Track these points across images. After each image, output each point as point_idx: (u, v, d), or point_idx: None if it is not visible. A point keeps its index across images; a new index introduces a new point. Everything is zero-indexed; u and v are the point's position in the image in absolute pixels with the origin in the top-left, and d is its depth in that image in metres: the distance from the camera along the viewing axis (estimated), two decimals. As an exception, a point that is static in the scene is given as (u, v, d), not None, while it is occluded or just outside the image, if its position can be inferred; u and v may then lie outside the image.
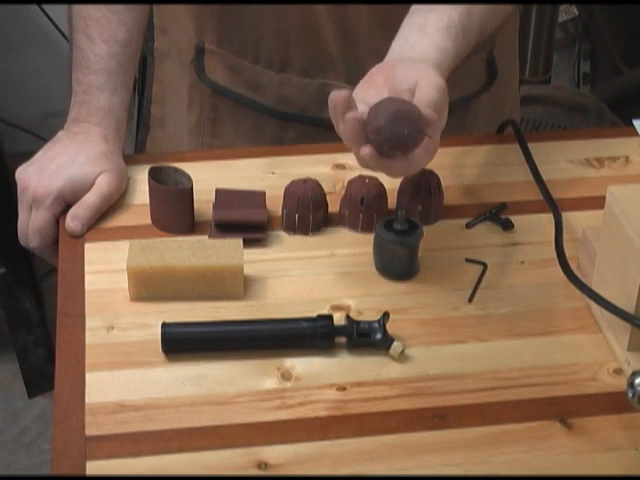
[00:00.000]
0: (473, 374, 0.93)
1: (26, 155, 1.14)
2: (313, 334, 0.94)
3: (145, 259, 0.99)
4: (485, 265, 1.05)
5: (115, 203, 1.12)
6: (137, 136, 1.46)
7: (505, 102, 1.34)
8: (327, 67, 1.21)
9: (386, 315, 0.95)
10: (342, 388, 0.91)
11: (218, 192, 1.10)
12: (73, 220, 1.08)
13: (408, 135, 0.92)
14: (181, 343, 0.95)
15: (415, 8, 1.06)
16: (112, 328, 0.97)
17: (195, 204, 1.08)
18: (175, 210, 1.07)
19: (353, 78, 1.21)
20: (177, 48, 1.30)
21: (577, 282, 0.96)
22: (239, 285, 1.00)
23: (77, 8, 1.16)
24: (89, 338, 0.96)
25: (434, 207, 1.09)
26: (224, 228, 1.07)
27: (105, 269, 1.03)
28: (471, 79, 1.26)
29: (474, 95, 1.28)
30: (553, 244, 1.03)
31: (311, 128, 1.25)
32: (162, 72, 1.34)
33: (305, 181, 1.08)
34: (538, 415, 0.90)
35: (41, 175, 1.09)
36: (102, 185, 1.10)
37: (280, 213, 1.09)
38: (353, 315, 0.97)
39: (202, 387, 0.91)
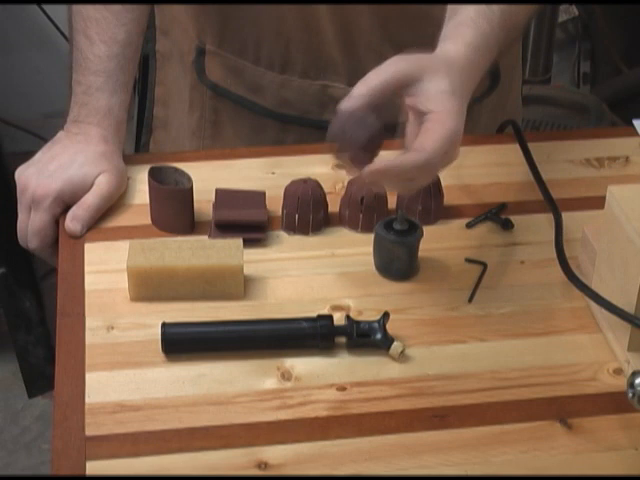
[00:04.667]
0: (473, 374, 0.93)
1: (26, 155, 1.14)
2: (313, 334, 0.94)
3: (145, 259, 0.99)
4: (485, 265, 1.05)
5: (115, 203, 1.12)
6: (140, 138, 1.46)
7: (507, 106, 1.34)
8: (328, 69, 1.21)
9: (386, 315, 0.95)
10: (342, 388, 0.91)
11: (218, 192, 1.10)
12: (73, 221, 1.08)
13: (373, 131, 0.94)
14: (181, 343, 0.95)
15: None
16: (112, 328, 0.97)
17: (195, 204, 1.08)
18: (175, 210, 1.07)
19: (354, 80, 1.21)
20: (178, 50, 1.30)
21: (577, 282, 0.96)
22: (239, 285, 1.00)
23: (77, 9, 1.16)
24: (89, 338, 0.96)
25: (434, 207, 1.09)
26: (224, 228, 1.07)
27: (105, 269, 1.03)
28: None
29: (476, 100, 1.27)
30: (553, 244, 1.03)
31: (311, 131, 1.24)
32: (164, 74, 1.34)
33: (305, 181, 1.08)
34: (538, 415, 0.90)
35: (40, 176, 1.09)
36: (101, 185, 1.10)
37: (280, 213, 1.09)
38: (353, 315, 0.97)
39: (202, 387, 0.91)
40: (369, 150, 0.94)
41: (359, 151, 0.94)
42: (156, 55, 1.34)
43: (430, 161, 0.92)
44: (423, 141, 0.92)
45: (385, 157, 0.94)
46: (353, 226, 1.09)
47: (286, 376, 0.93)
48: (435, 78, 0.95)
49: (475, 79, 0.99)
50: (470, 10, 1.02)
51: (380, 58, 1.19)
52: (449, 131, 0.92)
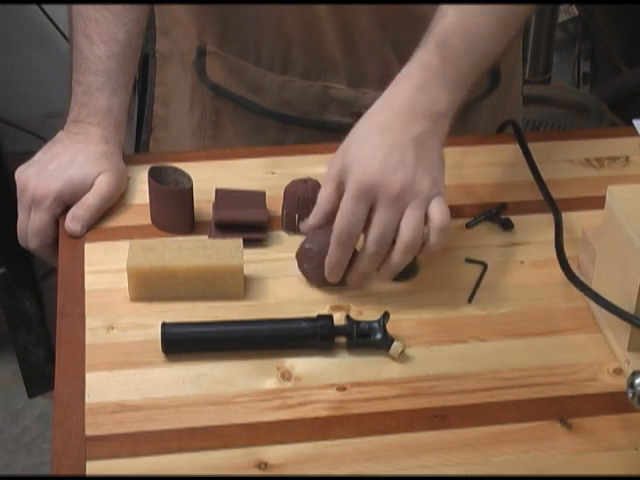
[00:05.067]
0: (473, 374, 0.93)
1: (26, 155, 1.14)
2: (313, 334, 0.94)
3: (145, 259, 0.99)
4: (485, 265, 1.05)
5: (115, 203, 1.11)
6: (139, 138, 1.45)
7: (507, 107, 1.34)
8: (329, 70, 1.21)
9: (386, 315, 0.95)
10: (342, 388, 0.91)
11: (218, 192, 1.10)
12: (72, 221, 1.08)
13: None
14: (181, 343, 0.95)
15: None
16: (112, 328, 0.97)
17: (195, 204, 1.08)
18: (175, 210, 1.07)
19: (354, 81, 1.22)
20: (179, 50, 1.30)
21: (577, 282, 0.96)
22: (239, 285, 1.00)
23: (77, 9, 1.16)
24: (89, 338, 0.96)
25: (434, 207, 1.09)
26: (224, 228, 1.07)
27: (105, 269, 1.03)
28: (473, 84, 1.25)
29: (476, 100, 1.27)
30: (553, 244, 1.03)
31: (312, 131, 1.25)
32: (164, 74, 1.34)
33: (305, 181, 1.08)
34: (538, 415, 0.90)
35: (40, 176, 1.09)
36: (101, 185, 1.10)
37: (280, 213, 1.09)
38: (353, 315, 0.97)
39: (202, 387, 0.91)
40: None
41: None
42: (156, 55, 1.34)
43: (348, 205, 0.94)
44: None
45: None
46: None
47: (286, 376, 0.93)
48: (351, 155, 0.97)
49: (425, 102, 0.98)
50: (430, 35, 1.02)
51: (380, 59, 1.20)
52: (328, 171, 0.97)
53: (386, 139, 0.96)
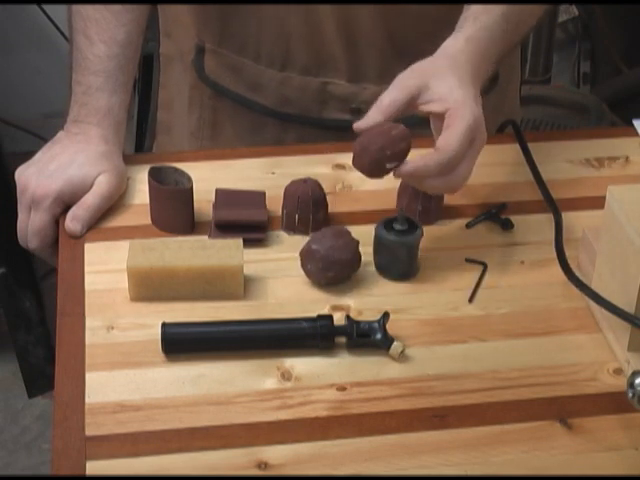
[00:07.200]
0: (473, 374, 0.93)
1: (26, 155, 1.14)
2: (313, 334, 0.94)
3: (145, 259, 0.99)
4: (485, 265, 1.05)
5: (115, 203, 1.12)
6: (140, 141, 1.45)
7: (505, 108, 1.34)
8: (328, 65, 1.21)
9: (386, 315, 0.95)
10: (342, 388, 0.91)
11: (218, 192, 1.10)
12: (72, 221, 1.08)
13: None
14: (181, 343, 0.95)
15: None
16: (112, 328, 0.97)
17: (195, 204, 1.08)
18: (175, 210, 1.07)
19: (354, 76, 1.22)
20: (179, 50, 1.30)
21: (577, 282, 0.96)
22: (239, 285, 1.00)
23: (76, 9, 1.16)
24: (89, 338, 0.96)
25: (434, 207, 1.09)
26: (224, 228, 1.07)
27: (105, 269, 1.03)
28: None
29: None
30: (553, 244, 1.03)
31: (311, 129, 1.24)
32: (167, 76, 1.34)
33: (305, 181, 1.08)
34: (538, 415, 0.90)
35: (40, 176, 1.09)
36: (101, 185, 1.10)
37: (280, 213, 1.09)
38: (353, 315, 0.97)
39: (202, 387, 0.91)
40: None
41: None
42: (160, 58, 1.34)
43: (457, 155, 0.95)
44: (447, 137, 0.95)
45: (415, 158, 0.96)
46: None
47: (286, 376, 0.93)
48: (441, 79, 0.98)
49: (483, 67, 1.03)
50: (476, 6, 1.05)
51: (381, 54, 1.19)
52: (468, 121, 0.96)
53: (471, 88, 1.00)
